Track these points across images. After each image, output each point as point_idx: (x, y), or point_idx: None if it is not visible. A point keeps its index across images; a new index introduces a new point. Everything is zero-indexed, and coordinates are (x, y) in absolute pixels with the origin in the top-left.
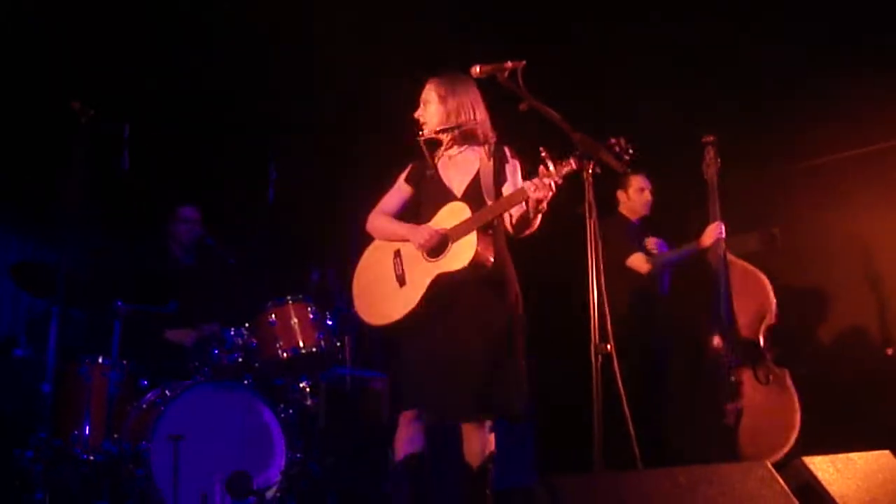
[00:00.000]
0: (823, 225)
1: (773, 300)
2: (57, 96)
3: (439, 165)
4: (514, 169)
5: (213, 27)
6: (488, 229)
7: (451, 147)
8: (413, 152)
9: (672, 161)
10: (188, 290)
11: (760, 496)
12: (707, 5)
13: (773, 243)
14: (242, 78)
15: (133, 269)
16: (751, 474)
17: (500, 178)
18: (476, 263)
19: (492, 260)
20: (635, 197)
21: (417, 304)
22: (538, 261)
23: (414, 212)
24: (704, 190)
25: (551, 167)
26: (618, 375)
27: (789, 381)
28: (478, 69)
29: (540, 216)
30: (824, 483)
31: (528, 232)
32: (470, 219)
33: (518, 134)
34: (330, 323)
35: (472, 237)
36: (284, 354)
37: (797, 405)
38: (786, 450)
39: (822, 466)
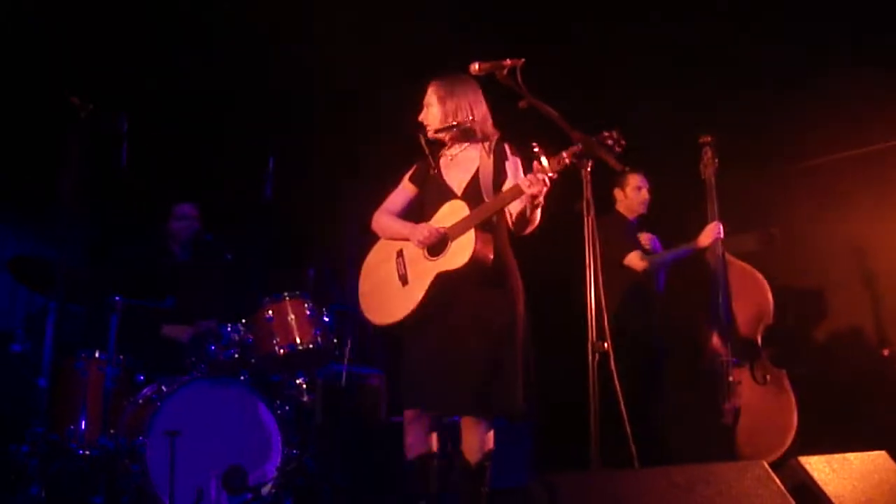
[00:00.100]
0: (822, 225)
1: (771, 300)
2: (56, 92)
3: (441, 165)
4: (514, 166)
5: (213, 26)
6: (487, 227)
7: (452, 146)
8: (417, 152)
9: (671, 161)
10: (185, 286)
11: (757, 496)
12: (707, 5)
13: (771, 243)
14: (242, 77)
15: (130, 265)
16: (747, 474)
17: (499, 175)
18: (475, 261)
19: (491, 257)
20: (632, 195)
21: (419, 303)
22: (535, 258)
23: (418, 211)
24: (703, 190)
25: (545, 162)
26: (615, 374)
27: (786, 382)
28: (476, 66)
29: (539, 212)
30: (820, 483)
31: (529, 229)
32: (468, 216)
33: (517, 132)
34: (327, 319)
35: (471, 235)
36: (281, 351)
37: (794, 405)
38: (783, 450)
39: (819, 466)
